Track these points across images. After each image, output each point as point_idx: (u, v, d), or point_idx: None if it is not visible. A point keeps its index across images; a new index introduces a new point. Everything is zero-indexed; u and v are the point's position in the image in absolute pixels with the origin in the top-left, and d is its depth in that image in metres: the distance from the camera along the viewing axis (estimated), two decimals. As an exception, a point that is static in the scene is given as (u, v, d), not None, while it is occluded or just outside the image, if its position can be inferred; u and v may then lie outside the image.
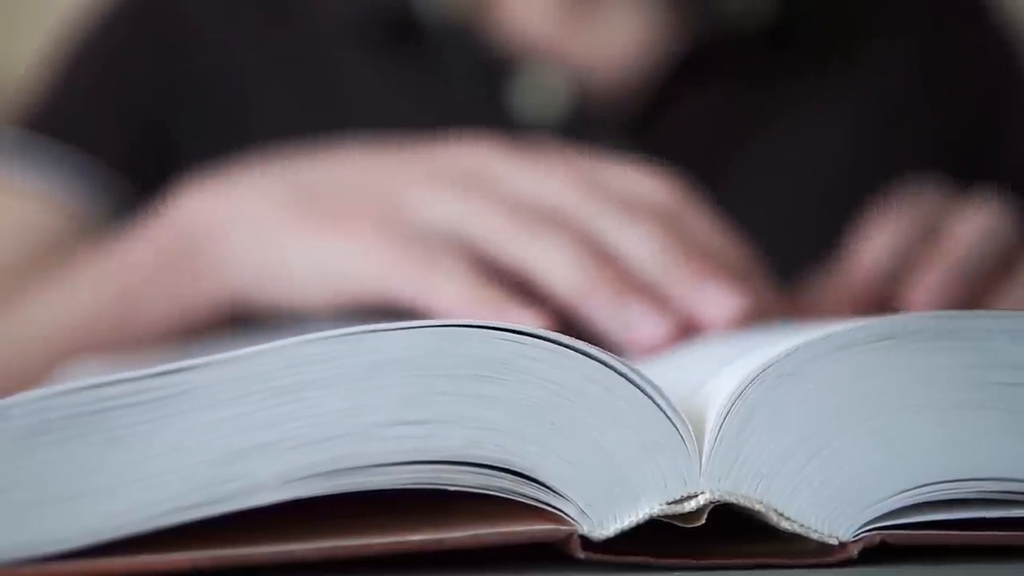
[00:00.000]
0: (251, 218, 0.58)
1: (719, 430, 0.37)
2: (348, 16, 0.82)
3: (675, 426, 0.37)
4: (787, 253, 0.76)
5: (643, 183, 0.55)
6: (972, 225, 0.60)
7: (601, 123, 0.79)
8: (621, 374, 0.37)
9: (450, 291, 0.51)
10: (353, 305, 0.55)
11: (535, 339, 0.37)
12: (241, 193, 0.60)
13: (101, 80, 0.83)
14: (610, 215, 0.53)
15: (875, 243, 0.62)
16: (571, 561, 0.37)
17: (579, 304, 0.51)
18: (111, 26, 0.84)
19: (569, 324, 0.51)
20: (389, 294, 0.53)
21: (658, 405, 0.37)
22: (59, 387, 0.36)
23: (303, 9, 0.83)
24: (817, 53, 0.83)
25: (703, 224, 0.55)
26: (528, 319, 0.49)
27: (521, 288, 0.52)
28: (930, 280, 0.57)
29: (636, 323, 0.50)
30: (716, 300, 0.50)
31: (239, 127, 0.81)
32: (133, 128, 0.82)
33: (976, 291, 0.58)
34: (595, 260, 0.51)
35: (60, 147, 0.80)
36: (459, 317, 0.47)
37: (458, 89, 0.80)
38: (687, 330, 0.51)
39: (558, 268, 0.51)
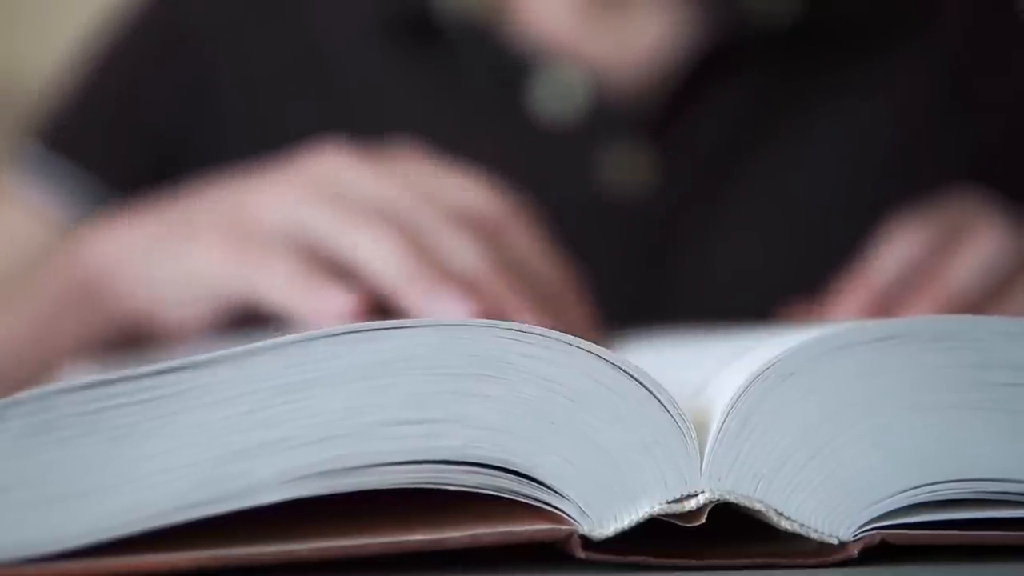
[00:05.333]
0: (131, 249, 0.65)
1: (720, 430, 0.37)
2: (366, 17, 0.82)
3: (676, 424, 0.37)
4: (808, 254, 0.77)
5: (475, 196, 0.60)
6: (971, 259, 0.62)
7: (620, 122, 0.78)
8: (623, 371, 0.37)
9: (277, 280, 0.56)
10: (224, 313, 0.61)
11: (536, 336, 0.37)
12: (126, 231, 0.66)
13: (117, 101, 0.84)
14: (434, 218, 0.57)
15: (884, 260, 0.64)
16: (571, 561, 0.37)
17: (395, 288, 0.55)
18: (129, 44, 0.84)
19: (385, 311, 0.56)
20: (229, 290, 0.59)
21: (660, 402, 0.37)
22: (59, 385, 0.36)
23: (320, 12, 0.83)
24: (844, 52, 0.82)
25: (524, 241, 0.59)
26: (343, 301, 0.55)
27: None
28: (916, 313, 0.60)
29: (441, 306, 0.54)
30: (520, 303, 0.55)
31: (255, 140, 0.82)
32: (144, 151, 0.83)
33: None
34: (413, 253, 0.55)
35: (69, 165, 0.81)
36: (286, 305, 0.56)
37: (476, 88, 0.80)
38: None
39: (379, 256, 0.56)
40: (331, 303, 0.55)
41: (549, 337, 0.37)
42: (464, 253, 0.56)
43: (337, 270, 0.57)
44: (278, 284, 0.56)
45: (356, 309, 0.55)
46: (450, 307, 0.54)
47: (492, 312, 0.54)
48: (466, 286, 0.55)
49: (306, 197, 0.58)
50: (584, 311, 0.60)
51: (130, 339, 0.67)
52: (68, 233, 0.75)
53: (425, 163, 0.61)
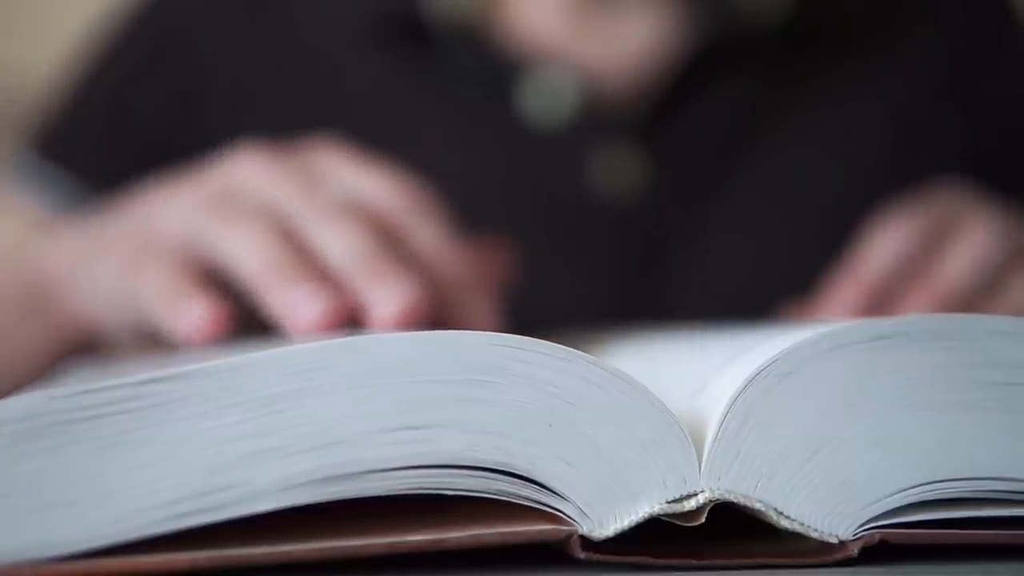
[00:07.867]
0: (67, 261, 0.66)
1: (719, 429, 0.37)
2: (355, 19, 0.81)
3: (673, 425, 0.37)
4: (799, 256, 0.77)
5: (371, 188, 0.58)
6: (965, 253, 0.63)
7: (610, 125, 0.78)
8: (619, 375, 0.37)
9: (153, 291, 0.56)
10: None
11: (530, 343, 0.37)
12: (66, 242, 0.68)
13: (110, 107, 0.84)
14: (316, 211, 0.55)
15: (875, 254, 0.63)
16: (571, 561, 0.37)
17: (255, 287, 0.54)
18: (121, 50, 0.84)
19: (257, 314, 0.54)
20: (128, 304, 0.59)
21: (655, 404, 0.37)
22: (50, 392, 0.36)
23: (311, 14, 0.83)
24: (836, 53, 0.82)
25: (424, 236, 0.58)
26: (202, 311, 0.53)
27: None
28: (912, 308, 0.60)
29: (294, 305, 0.52)
30: (384, 294, 0.52)
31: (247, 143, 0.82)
32: (137, 156, 0.82)
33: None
34: (282, 248, 0.54)
35: (62, 172, 0.81)
36: (159, 316, 0.55)
37: (465, 91, 0.80)
38: (353, 319, 0.53)
39: (245, 254, 0.55)
40: (191, 313, 0.54)
41: (542, 346, 0.37)
42: (342, 241, 0.54)
43: (217, 277, 0.56)
44: (153, 295, 0.56)
45: (217, 317, 0.53)
46: (301, 304, 0.52)
47: (358, 308, 0.52)
48: (328, 282, 0.53)
49: (200, 207, 0.58)
50: (487, 307, 0.58)
51: (87, 348, 0.68)
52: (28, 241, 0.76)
53: (337, 160, 0.60)
